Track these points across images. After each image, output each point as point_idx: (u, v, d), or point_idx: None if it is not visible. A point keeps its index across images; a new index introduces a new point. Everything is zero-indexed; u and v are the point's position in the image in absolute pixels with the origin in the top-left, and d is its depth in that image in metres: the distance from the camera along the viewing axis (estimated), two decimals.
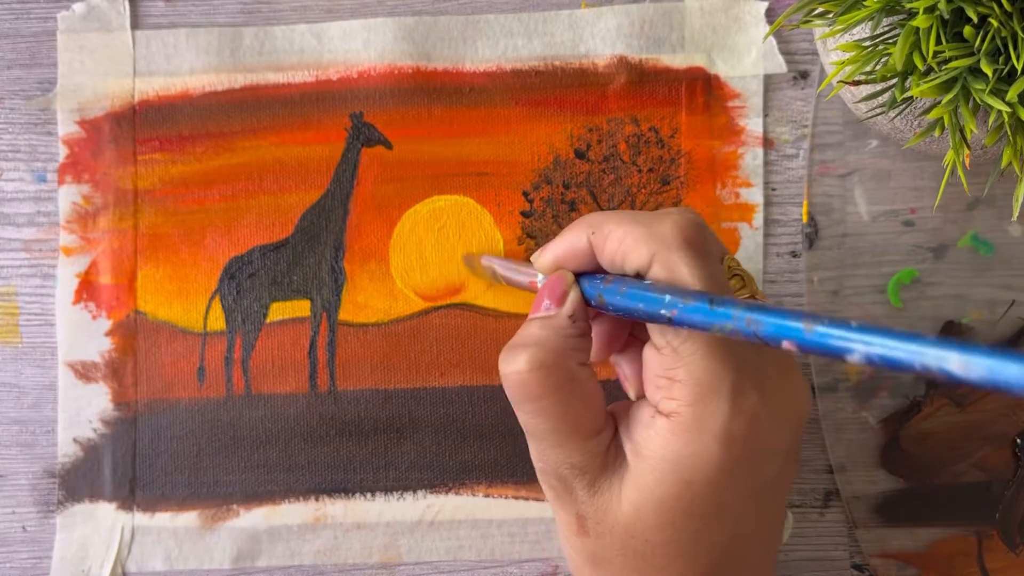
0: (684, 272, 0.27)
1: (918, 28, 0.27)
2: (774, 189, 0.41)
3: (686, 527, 0.28)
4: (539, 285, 0.31)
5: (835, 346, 0.22)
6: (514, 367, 0.28)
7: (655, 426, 0.28)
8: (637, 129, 0.41)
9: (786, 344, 0.23)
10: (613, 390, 0.39)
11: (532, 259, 0.32)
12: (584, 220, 0.30)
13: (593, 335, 0.31)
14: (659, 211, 0.30)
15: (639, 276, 0.29)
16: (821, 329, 0.22)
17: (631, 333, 0.32)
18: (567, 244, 0.30)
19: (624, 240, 0.28)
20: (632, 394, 0.31)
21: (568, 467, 0.29)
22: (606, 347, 0.32)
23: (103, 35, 0.41)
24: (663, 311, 0.26)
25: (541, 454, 0.30)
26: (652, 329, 0.29)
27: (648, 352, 0.29)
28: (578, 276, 0.30)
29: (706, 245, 0.29)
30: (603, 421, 0.29)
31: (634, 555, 0.29)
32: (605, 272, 0.30)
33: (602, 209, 0.41)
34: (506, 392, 0.29)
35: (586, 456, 0.29)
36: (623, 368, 0.32)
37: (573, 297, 0.30)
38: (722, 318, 0.25)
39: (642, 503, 0.28)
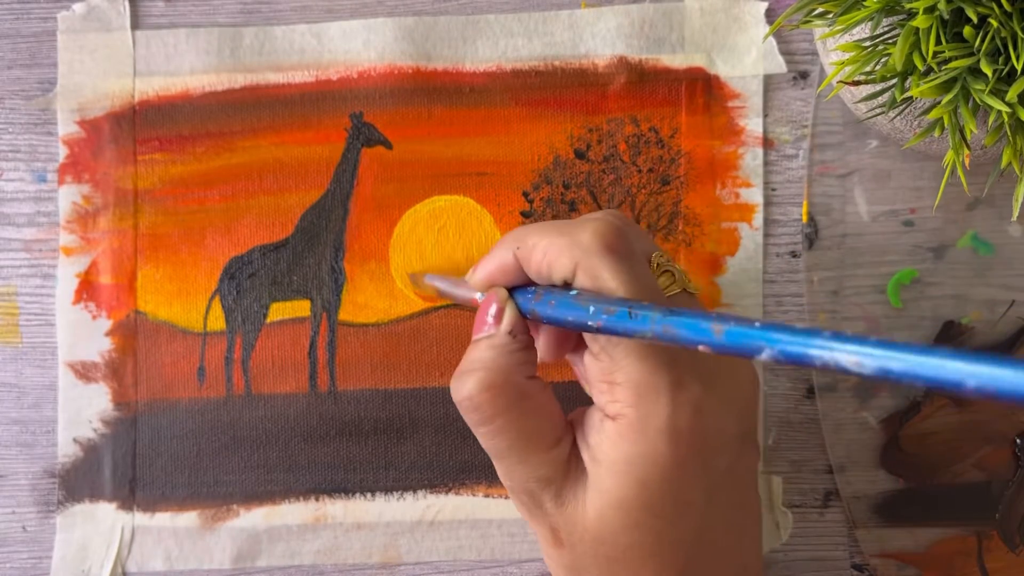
0: (607, 278, 0.28)
1: (918, 28, 0.27)
2: (774, 189, 0.41)
3: (650, 527, 0.29)
4: (479, 298, 0.32)
5: (744, 346, 0.23)
6: (464, 392, 0.29)
7: (605, 430, 0.28)
8: (637, 129, 0.41)
9: (701, 348, 0.24)
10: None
11: (466, 278, 0.32)
12: (509, 236, 0.31)
13: (543, 337, 0.32)
14: (582, 218, 0.30)
15: (567, 285, 0.29)
16: (729, 330, 0.23)
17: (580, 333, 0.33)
18: (495, 261, 0.31)
19: (548, 251, 0.29)
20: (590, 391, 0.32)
21: (534, 481, 0.29)
22: (558, 348, 0.32)
23: (103, 35, 0.41)
24: (590, 321, 0.27)
25: (507, 472, 0.30)
26: (586, 336, 0.29)
27: (587, 358, 0.29)
28: (513, 290, 0.31)
29: (627, 248, 0.29)
30: (561, 431, 0.30)
31: (607, 561, 0.29)
32: (537, 285, 0.31)
33: (601, 209, 0.41)
34: (463, 417, 0.30)
35: (549, 468, 0.29)
36: (579, 367, 0.32)
37: (509, 313, 0.30)
38: (642, 325, 0.25)
39: (604, 507, 0.29)
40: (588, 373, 0.30)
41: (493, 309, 0.30)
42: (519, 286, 0.31)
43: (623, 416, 0.28)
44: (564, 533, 0.30)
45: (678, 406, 0.28)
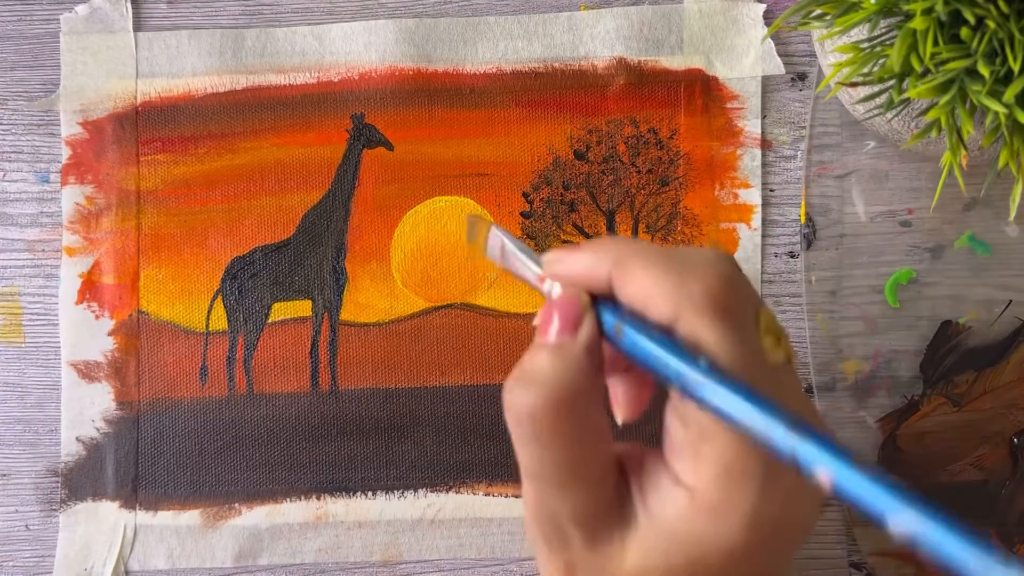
0: (711, 344, 0.24)
1: (915, 30, 0.27)
2: (772, 190, 0.41)
3: None
4: (545, 288, 0.28)
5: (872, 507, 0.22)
6: (526, 403, 0.25)
7: (674, 496, 0.25)
8: (636, 130, 0.41)
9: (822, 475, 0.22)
10: None
11: (545, 261, 0.28)
12: (610, 248, 0.26)
13: (622, 386, 0.28)
14: (693, 255, 0.26)
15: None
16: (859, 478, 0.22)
17: None
18: (584, 263, 0.26)
19: (648, 289, 0.25)
20: (620, 420, 0.28)
21: (568, 513, 0.26)
22: (638, 393, 0.28)
23: (106, 37, 0.42)
24: (690, 388, 0.24)
25: (538, 498, 0.26)
26: (676, 396, 0.25)
27: (671, 419, 0.26)
28: (595, 299, 0.26)
29: (740, 307, 0.25)
30: (610, 466, 0.26)
31: None
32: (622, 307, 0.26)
33: (601, 210, 0.41)
34: (509, 425, 0.25)
35: (589, 504, 0.26)
36: (616, 389, 0.28)
37: (588, 328, 0.26)
38: (764, 431, 0.22)
39: (648, 569, 0.25)
40: (667, 432, 0.26)
41: (568, 314, 0.26)
42: (601, 297, 0.26)
43: (702, 492, 0.24)
44: (582, 573, 0.26)
45: (768, 496, 0.24)
